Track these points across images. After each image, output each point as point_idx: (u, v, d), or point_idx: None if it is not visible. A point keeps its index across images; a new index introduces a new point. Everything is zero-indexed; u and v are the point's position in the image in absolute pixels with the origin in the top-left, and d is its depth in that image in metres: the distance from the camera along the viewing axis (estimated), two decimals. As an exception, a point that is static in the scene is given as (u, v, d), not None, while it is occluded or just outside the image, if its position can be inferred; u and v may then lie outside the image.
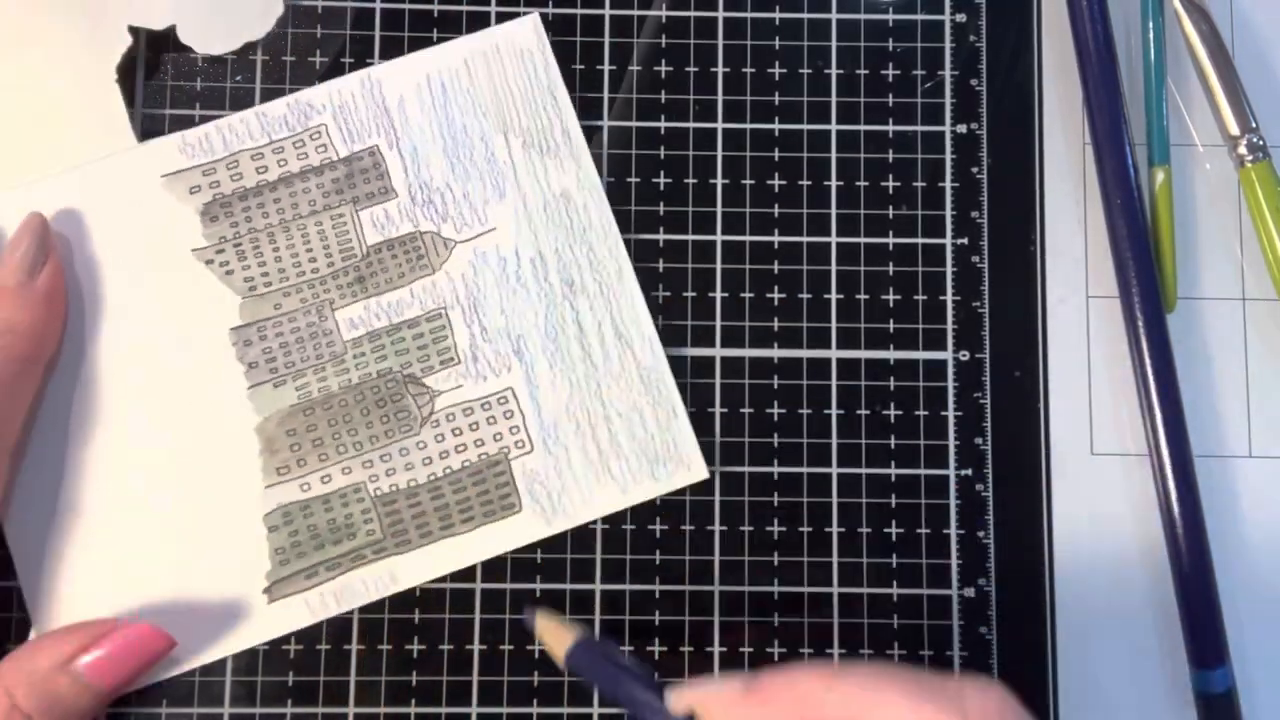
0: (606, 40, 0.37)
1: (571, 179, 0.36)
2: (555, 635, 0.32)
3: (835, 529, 0.36)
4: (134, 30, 0.35)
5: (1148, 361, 0.35)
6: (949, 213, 0.37)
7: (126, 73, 0.36)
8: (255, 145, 0.36)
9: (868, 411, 0.36)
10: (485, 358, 0.35)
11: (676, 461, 0.35)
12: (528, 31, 0.36)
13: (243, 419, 0.35)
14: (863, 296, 0.37)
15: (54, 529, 0.34)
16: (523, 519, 0.35)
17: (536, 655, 0.35)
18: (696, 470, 0.35)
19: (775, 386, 0.36)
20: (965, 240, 0.37)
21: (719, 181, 0.37)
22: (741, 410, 0.36)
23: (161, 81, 0.37)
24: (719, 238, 0.37)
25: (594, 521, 0.35)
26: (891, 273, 0.37)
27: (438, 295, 0.35)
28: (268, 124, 0.36)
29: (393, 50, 0.37)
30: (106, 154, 0.35)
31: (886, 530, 0.36)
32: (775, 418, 0.36)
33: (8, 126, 0.35)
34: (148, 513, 0.34)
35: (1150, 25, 0.37)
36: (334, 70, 0.37)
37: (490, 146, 0.36)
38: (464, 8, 0.37)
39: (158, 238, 0.35)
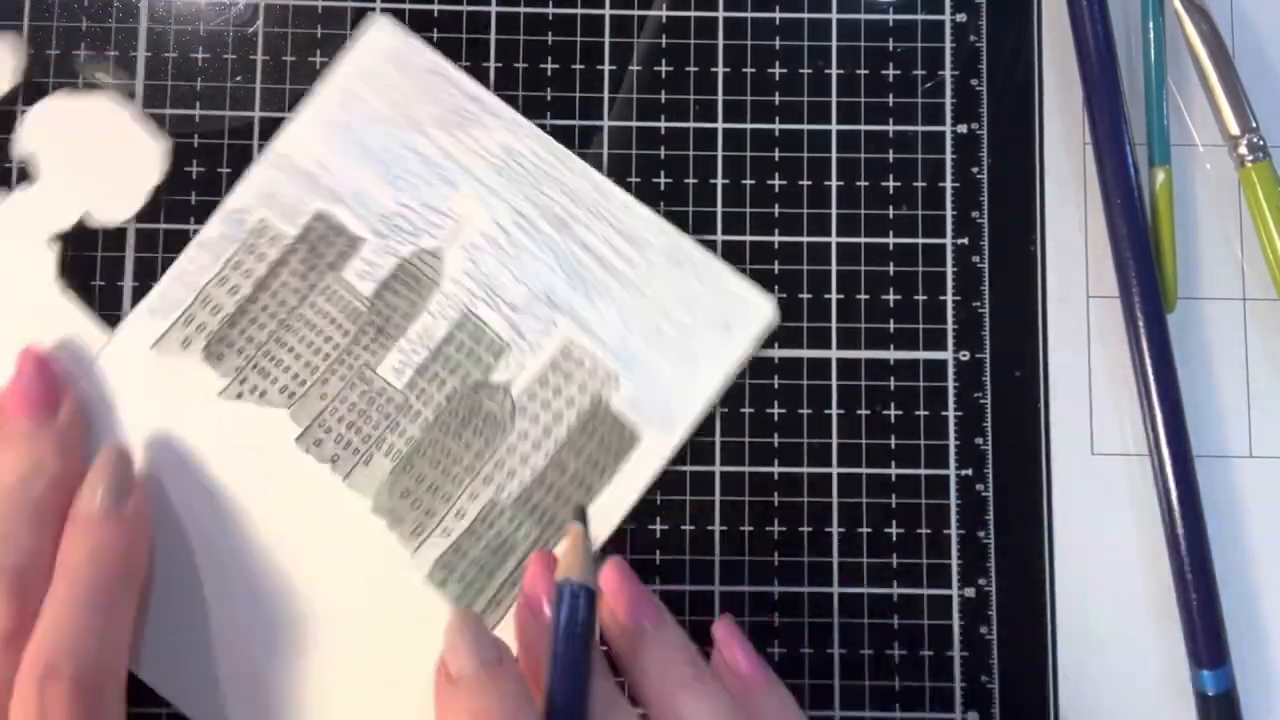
0: (606, 40, 0.37)
1: (503, 133, 0.36)
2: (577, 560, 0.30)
3: (835, 529, 0.36)
4: (57, 238, 0.35)
5: (1148, 361, 0.35)
6: (949, 213, 0.37)
7: (65, 280, 0.35)
8: (215, 272, 0.35)
9: (868, 411, 0.36)
10: (529, 329, 0.35)
11: (743, 310, 0.35)
12: (384, 33, 0.36)
13: (355, 510, 0.34)
14: (863, 296, 0.37)
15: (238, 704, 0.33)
16: (649, 444, 0.35)
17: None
18: (764, 308, 0.35)
19: (775, 386, 0.36)
20: (965, 240, 0.37)
21: (719, 181, 0.37)
22: (741, 410, 0.36)
23: (161, 81, 0.37)
24: (719, 237, 0.37)
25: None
26: (891, 273, 0.37)
27: (455, 303, 0.35)
28: (213, 248, 0.35)
29: (393, 50, 0.37)
30: (89, 358, 0.35)
31: (886, 530, 0.36)
32: (775, 418, 0.36)
33: None
34: (324, 649, 0.34)
35: (1150, 25, 0.37)
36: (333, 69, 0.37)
37: (417, 149, 0.36)
38: (464, 8, 0.37)
39: (180, 402, 0.35)
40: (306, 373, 0.35)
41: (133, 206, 0.36)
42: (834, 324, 0.36)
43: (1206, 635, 0.34)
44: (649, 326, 0.35)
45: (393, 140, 0.36)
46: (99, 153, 0.36)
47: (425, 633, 0.34)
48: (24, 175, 0.36)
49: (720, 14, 0.38)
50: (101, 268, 0.36)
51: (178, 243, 0.36)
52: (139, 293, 0.35)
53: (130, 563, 0.31)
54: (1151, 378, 0.35)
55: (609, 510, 0.35)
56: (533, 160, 0.36)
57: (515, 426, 0.35)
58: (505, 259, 0.35)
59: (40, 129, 0.36)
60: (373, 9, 0.37)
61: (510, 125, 0.36)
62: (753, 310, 0.35)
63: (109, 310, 0.35)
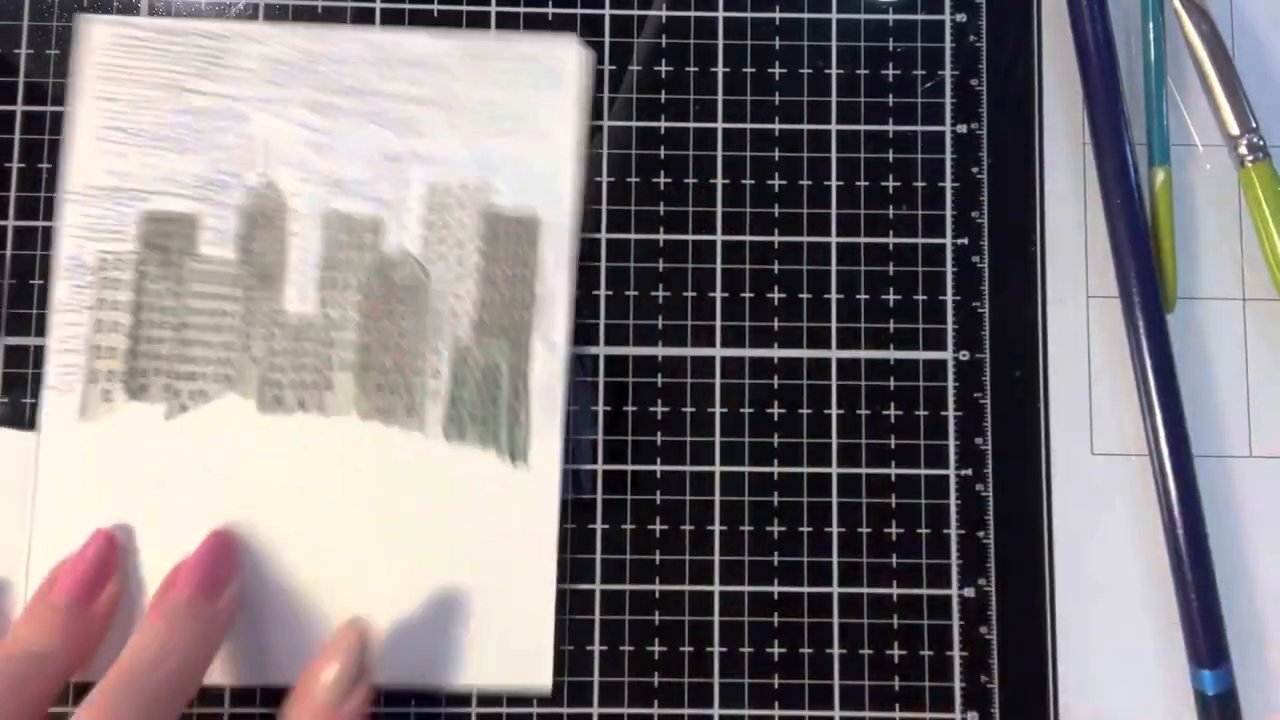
0: (606, 40, 0.37)
1: (254, 46, 0.36)
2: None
3: (835, 529, 0.36)
4: None
5: (1148, 362, 0.35)
6: (949, 213, 0.37)
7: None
8: (89, 323, 0.35)
9: (868, 411, 0.36)
10: (388, 192, 0.35)
11: (555, 61, 0.36)
12: (96, 29, 0.36)
13: (347, 429, 0.35)
14: (863, 296, 0.37)
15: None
16: (551, 219, 0.36)
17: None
18: (570, 49, 0.36)
19: (775, 386, 0.36)
20: (965, 240, 0.37)
21: (719, 181, 0.37)
22: (741, 410, 0.36)
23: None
24: (719, 238, 0.37)
25: (593, 522, 0.35)
26: (891, 273, 0.37)
27: (312, 211, 0.35)
28: (71, 302, 0.35)
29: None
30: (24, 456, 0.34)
31: (886, 530, 0.36)
32: (775, 418, 0.36)
33: None
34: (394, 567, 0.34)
35: (1150, 25, 0.37)
36: (334, 70, 0.37)
37: (191, 107, 0.36)
38: (464, 8, 0.37)
39: (142, 447, 0.34)
40: (225, 352, 0.35)
41: None
42: (834, 324, 0.36)
43: (1206, 635, 0.34)
44: (485, 126, 0.36)
45: (164, 114, 0.36)
46: None
47: (468, 489, 0.34)
48: None
49: (720, 14, 0.38)
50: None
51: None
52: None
53: (76, 663, 0.31)
54: (1151, 378, 0.35)
55: (555, 287, 0.35)
56: (295, 55, 0.36)
57: (431, 277, 0.35)
58: (328, 149, 0.35)
59: None
60: (373, 9, 0.37)
61: (256, 37, 0.36)
62: (563, 54, 0.36)
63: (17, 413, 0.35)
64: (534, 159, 0.35)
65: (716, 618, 0.35)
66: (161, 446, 0.35)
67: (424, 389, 0.35)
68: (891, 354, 0.36)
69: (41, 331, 0.35)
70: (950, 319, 0.37)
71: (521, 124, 0.36)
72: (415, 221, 0.35)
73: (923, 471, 0.36)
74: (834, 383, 0.36)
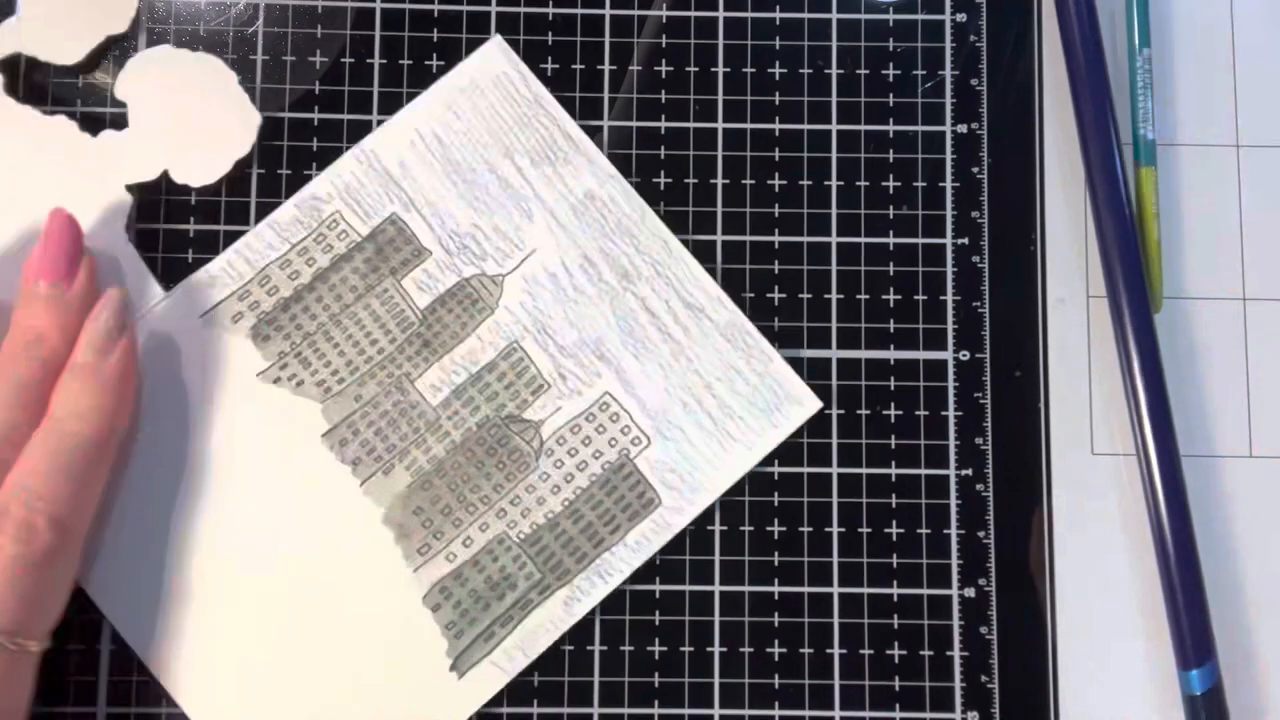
0: (607, 40, 0.37)
1: (589, 177, 0.36)
2: None
3: (835, 529, 0.36)
4: (130, 188, 0.35)
5: (1135, 363, 0.35)
6: (949, 213, 0.37)
7: (132, 230, 0.35)
8: (279, 255, 0.35)
9: (868, 411, 0.36)
10: (572, 373, 0.35)
11: (788, 402, 0.35)
12: (495, 55, 0.36)
13: (367, 516, 0.34)
14: (863, 296, 0.37)
15: (209, 667, 0.34)
16: (666, 510, 0.35)
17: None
18: (809, 404, 0.35)
19: (775, 386, 0.36)
20: (965, 240, 0.37)
21: (719, 181, 0.37)
22: (741, 410, 0.36)
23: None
24: (719, 238, 0.37)
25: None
26: (891, 273, 0.37)
27: (505, 332, 0.35)
28: (283, 230, 0.35)
29: (393, 52, 0.37)
30: (140, 311, 0.35)
31: (886, 530, 0.36)
32: (775, 418, 0.36)
33: None
34: (307, 637, 0.34)
35: (1135, 27, 0.37)
36: (334, 70, 0.37)
37: (502, 175, 0.36)
38: (464, 8, 0.37)
39: (219, 375, 0.35)
40: (346, 371, 0.35)
41: (216, 172, 0.36)
42: (834, 324, 0.36)
43: (1192, 632, 0.34)
44: (691, 396, 0.35)
45: (480, 161, 0.36)
46: (196, 113, 0.36)
47: (406, 650, 0.34)
48: (118, 120, 0.36)
49: (720, 14, 0.38)
50: (167, 227, 0.36)
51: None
52: (176, 263, 0.35)
53: (107, 422, 0.32)
54: (1139, 379, 0.35)
55: (614, 567, 0.34)
56: (612, 209, 0.36)
57: (539, 466, 0.35)
58: (564, 300, 0.35)
59: (143, 77, 0.36)
60: (373, 9, 0.37)
61: (597, 170, 0.36)
62: (799, 404, 0.35)
63: (168, 269, 0.35)
64: (701, 456, 0.35)
65: (717, 618, 0.35)
66: (231, 387, 0.35)
67: (447, 544, 0.34)
68: (891, 354, 0.36)
69: (246, 221, 0.36)
70: (950, 319, 0.37)
71: (719, 421, 0.35)
72: (569, 413, 0.35)
73: (923, 471, 0.36)
74: (834, 383, 0.36)
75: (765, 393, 0.35)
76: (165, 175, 0.35)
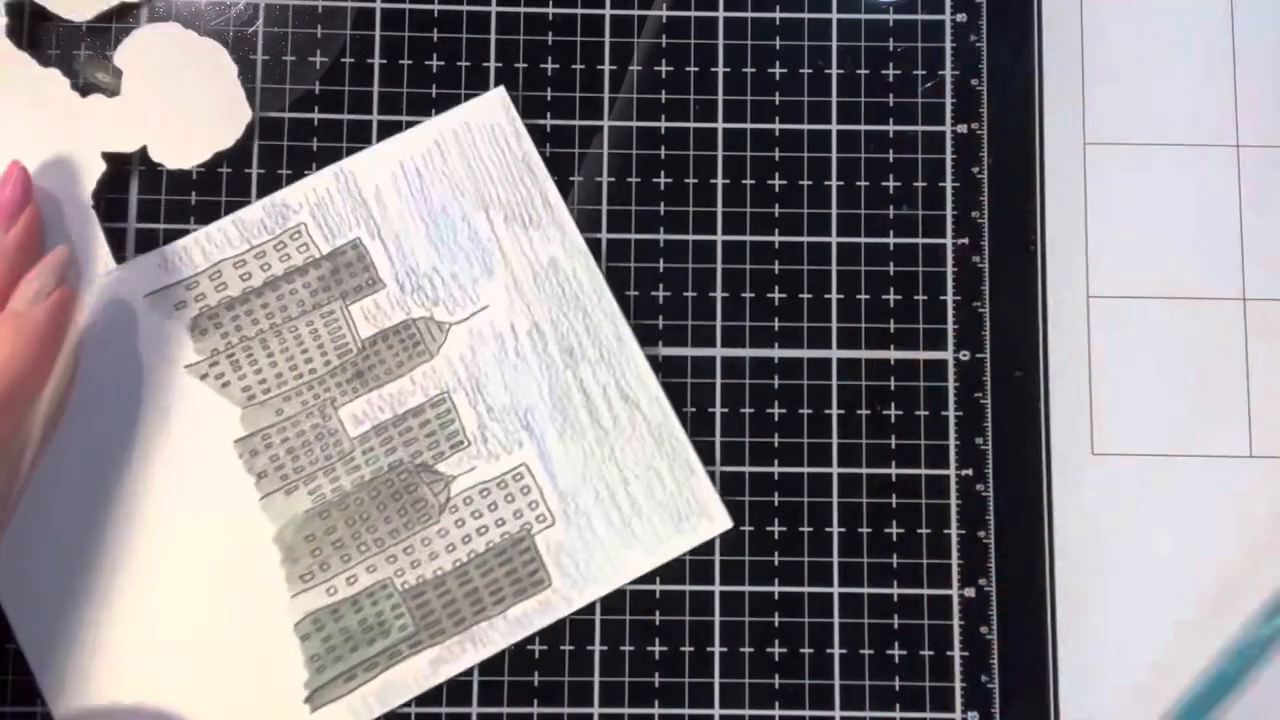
0: (606, 40, 0.37)
1: (557, 247, 0.35)
2: None
3: (835, 529, 0.36)
4: (106, 155, 0.35)
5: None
6: (949, 213, 0.37)
7: (99, 198, 0.35)
8: (236, 253, 0.35)
9: (868, 411, 0.36)
10: (495, 436, 0.35)
11: (699, 515, 0.35)
12: (495, 106, 0.36)
13: (259, 531, 0.34)
14: (863, 296, 0.37)
15: (76, 655, 0.33)
16: (553, 593, 0.34)
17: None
18: (720, 521, 0.35)
19: (775, 386, 0.36)
20: (965, 240, 0.37)
21: (719, 181, 0.37)
22: (741, 410, 0.36)
23: (161, 81, 0.37)
24: (719, 238, 0.37)
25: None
26: (891, 273, 0.37)
27: (439, 380, 0.35)
28: (246, 230, 0.35)
29: (393, 52, 0.37)
30: (86, 278, 0.35)
31: (886, 530, 0.36)
32: (775, 418, 0.36)
33: None
34: (176, 635, 0.34)
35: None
36: (335, 69, 0.37)
37: (473, 225, 0.36)
38: (464, 8, 0.37)
39: (148, 358, 0.35)
40: (274, 382, 0.35)
41: (194, 159, 0.35)
42: (834, 324, 0.36)
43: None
44: (605, 487, 0.35)
45: (454, 207, 0.36)
46: (188, 96, 0.36)
47: (266, 672, 0.33)
48: (111, 87, 0.36)
49: (720, 14, 0.38)
50: (133, 202, 0.36)
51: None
52: (141, 239, 0.36)
53: (17, 372, 0.31)
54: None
55: (489, 638, 0.34)
56: (572, 283, 0.35)
57: (440, 521, 0.34)
58: (503, 362, 0.35)
59: (145, 49, 0.36)
60: (373, 9, 0.37)
61: (568, 241, 0.36)
62: (710, 519, 0.35)
63: (116, 244, 0.35)
64: (602, 549, 0.34)
65: (717, 618, 0.35)
66: (158, 373, 0.34)
67: (331, 578, 0.34)
68: (891, 354, 0.36)
69: (204, 220, 0.36)
70: (950, 319, 0.37)
71: (627, 519, 0.35)
72: (482, 475, 0.35)
73: (923, 471, 0.36)
74: (834, 383, 0.36)
75: (680, 502, 0.35)
76: (144, 151, 0.35)
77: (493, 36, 0.37)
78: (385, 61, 0.37)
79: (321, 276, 0.35)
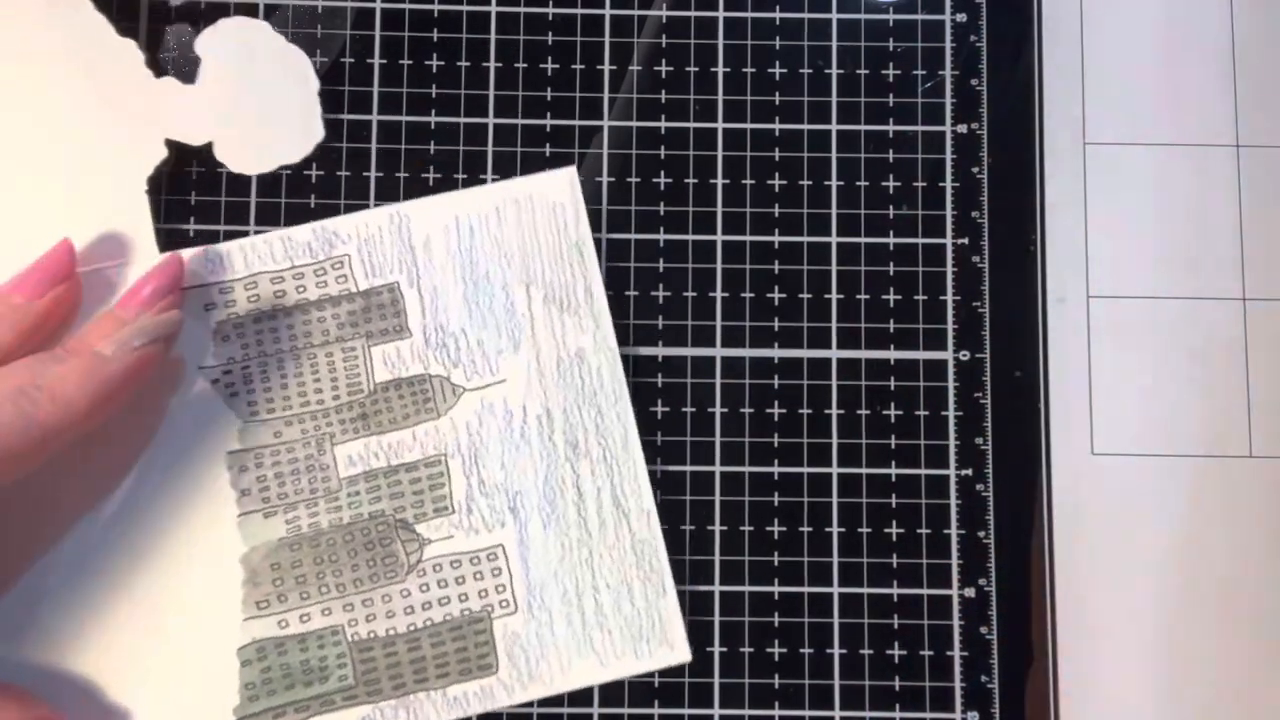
0: (606, 40, 0.37)
1: (589, 339, 0.35)
2: None
3: (835, 529, 0.36)
4: (170, 144, 0.35)
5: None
6: (949, 213, 0.37)
7: (156, 186, 0.35)
8: (276, 268, 0.35)
9: (868, 411, 0.36)
10: (480, 511, 0.34)
11: (660, 640, 0.34)
12: (562, 185, 0.36)
13: (228, 546, 0.34)
14: (863, 296, 0.37)
15: (12, 620, 0.33)
16: (498, 682, 0.34)
17: None
18: (680, 652, 0.34)
19: (775, 386, 0.36)
20: (965, 240, 0.37)
21: (719, 181, 0.37)
22: (741, 410, 0.36)
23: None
24: (719, 238, 0.37)
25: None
26: (891, 273, 0.37)
27: (440, 441, 0.35)
28: (291, 248, 0.35)
29: (393, 52, 0.37)
30: (127, 261, 0.35)
31: (886, 530, 0.36)
32: (775, 418, 0.36)
33: (31, 217, 0.34)
34: (117, 628, 0.33)
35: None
36: (334, 70, 0.37)
37: (511, 296, 0.35)
38: (464, 7, 0.37)
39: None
40: (280, 404, 0.35)
41: (258, 167, 0.35)
42: (834, 324, 0.36)
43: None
44: (575, 589, 0.34)
45: (497, 274, 0.35)
46: (264, 101, 0.35)
47: (198, 687, 0.33)
48: (187, 74, 0.36)
49: (720, 14, 0.38)
50: (188, 196, 0.36)
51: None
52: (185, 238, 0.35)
53: (72, 420, 0.30)
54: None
55: (423, 710, 0.34)
56: (593, 378, 0.35)
57: (405, 581, 0.34)
58: (506, 440, 0.35)
59: (228, 41, 0.35)
60: (373, 9, 0.37)
61: (600, 337, 0.35)
62: (670, 647, 0.34)
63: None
64: (557, 650, 0.34)
65: (718, 617, 0.35)
66: (168, 368, 0.34)
67: (286, 611, 0.34)
68: (891, 354, 0.36)
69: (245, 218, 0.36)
70: (950, 319, 0.37)
71: (590, 626, 0.34)
72: (456, 546, 0.34)
73: (923, 471, 0.36)
74: (834, 383, 0.36)
75: (644, 622, 0.34)
76: (209, 147, 0.35)
77: (493, 36, 0.37)
78: (385, 61, 0.37)
79: (352, 312, 0.35)
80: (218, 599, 0.34)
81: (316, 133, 0.36)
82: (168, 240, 0.36)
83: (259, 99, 0.35)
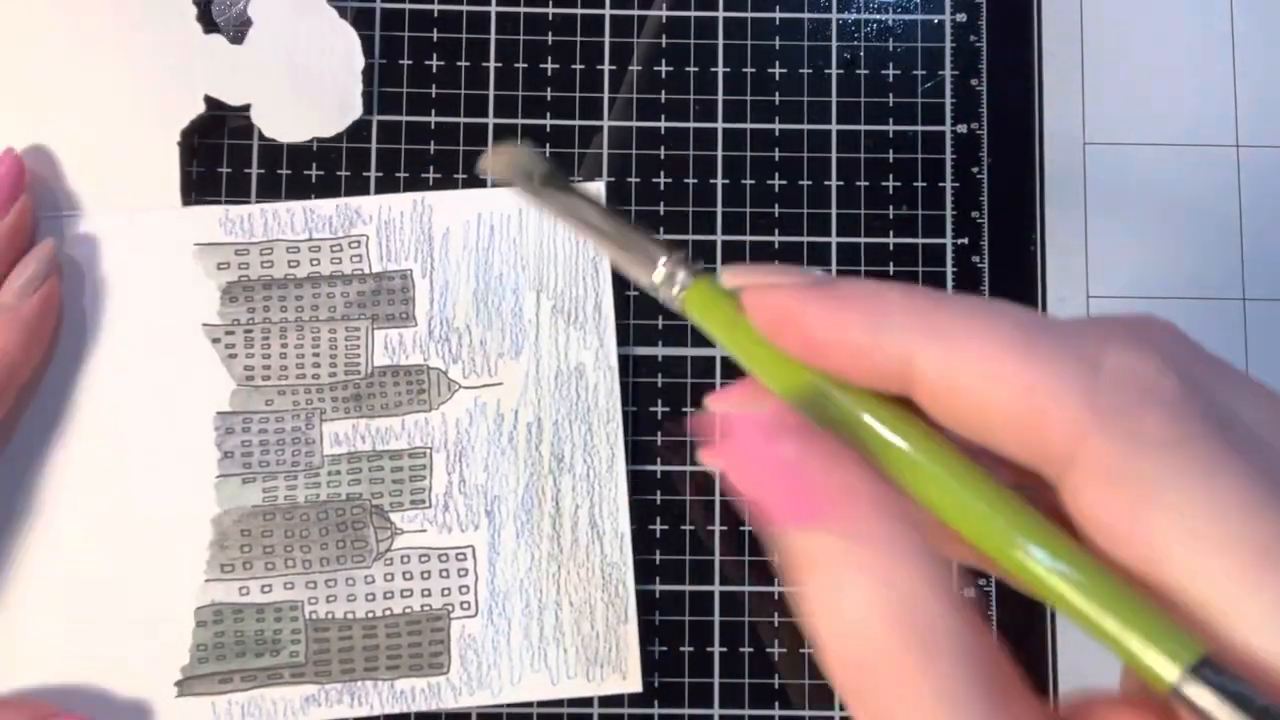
0: (606, 40, 0.37)
1: (591, 355, 0.35)
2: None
3: (835, 529, 0.35)
4: (209, 99, 0.35)
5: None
6: (949, 213, 0.37)
7: (189, 137, 0.35)
8: (294, 238, 0.35)
9: (868, 411, 0.36)
10: (456, 509, 0.34)
11: (613, 666, 0.34)
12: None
13: (202, 506, 0.34)
14: (863, 296, 0.36)
15: None
16: (446, 682, 0.34)
17: None
18: (631, 681, 0.34)
19: (775, 386, 0.36)
20: (965, 240, 0.37)
21: (719, 181, 0.37)
22: (741, 410, 0.36)
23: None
24: (719, 238, 0.37)
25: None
26: (892, 273, 0.37)
27: (428, 434, 0.35)
28: (312, 221, 0.35)
29: (394, 52, 0.37)
30: (149, 209, 0.35)
31: (887, 530, 0.36)
32: (775, 418, 0.36)
33: (64, 156, 0.35)
34: (78, 576, 0.33)
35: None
36: (334, 70, 0.37)
37: (520, 301, 0.35)
38: (464, 7, 0.37)
39: (175, 303, 0.35)
40: (276, 373, 0.35)
41: (291, 136, 0.35)
42: (834, 324, 0.36)
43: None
44: (538, 602, 0.34)
45: (510, 277, 0.35)
46: (307, 71, 0.35)
47: (149, 641, 0.33)
48: (237, 35, 0.36)
49: (720, 14, 0.38)
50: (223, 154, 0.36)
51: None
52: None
53: (9, 363, 0.32)
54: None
55: (367, 698, 0.33)
56: (589, 395, 0.35)
57: (371, 568, 0.34)
58: (493, 443, 0.35)
59: (281, 6, 0.35)
60: (373, 9, 0.37)
61: (602, 355, 0.35)
62: (622, 675, 0.34)
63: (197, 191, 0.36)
64: (510, 659, 0.34)
65: (717, 618, 0.35)
66: (173, 318, 0.35)
67: (249, 578, 0.34)
68: (891, 354, 0.36)
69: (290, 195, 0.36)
70: (950, 319, 0.37)
71: (546, 641, 0.34)
72: (427, 541, 0.34)
73: (923, 471, 0.36)
74: (834, 383, 0.36)
75: (601, 645, 0.34)
76: (246, 110, 0.35)
77: (493, 36, 0.37)
78: (385, 61, 0.37)
79: (362, 292, 0.35)
80: (183, 556, 0.34)
81: (355, 109, 0.36)
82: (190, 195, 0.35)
83: (303, 69, 0.36)
